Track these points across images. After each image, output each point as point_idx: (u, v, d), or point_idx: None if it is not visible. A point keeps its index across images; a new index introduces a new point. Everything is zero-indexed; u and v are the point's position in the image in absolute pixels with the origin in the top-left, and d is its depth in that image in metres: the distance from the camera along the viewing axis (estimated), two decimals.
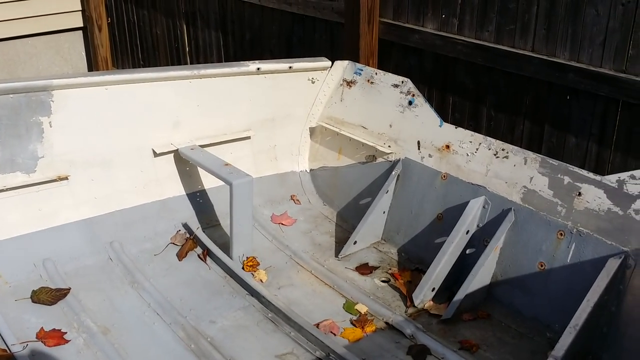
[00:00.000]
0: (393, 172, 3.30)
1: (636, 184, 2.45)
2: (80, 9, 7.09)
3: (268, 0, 5.17)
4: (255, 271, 3.08)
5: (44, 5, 6.78)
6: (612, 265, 2.44)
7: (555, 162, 2.72)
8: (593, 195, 2.57)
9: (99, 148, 3.10)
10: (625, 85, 3.19)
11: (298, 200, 3.69)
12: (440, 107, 4.21)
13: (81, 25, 7.18)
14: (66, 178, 3.03)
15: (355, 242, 3.26)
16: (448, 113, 4.17)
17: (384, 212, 3.33)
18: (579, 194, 2.62)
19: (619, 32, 3.20)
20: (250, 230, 3.12)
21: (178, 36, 6.45)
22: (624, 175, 2.49)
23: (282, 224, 3.49)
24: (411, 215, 3.25)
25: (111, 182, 3.16)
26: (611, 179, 2.53)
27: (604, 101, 3.33)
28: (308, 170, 3.78)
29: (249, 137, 3.52)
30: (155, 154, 3.24)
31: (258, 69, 3.38)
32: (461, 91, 4.03)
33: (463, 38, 3.90)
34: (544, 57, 3.52)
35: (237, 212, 3.01)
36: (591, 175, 2.60)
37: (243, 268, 3.08)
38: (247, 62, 3.38)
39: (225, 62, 5.84)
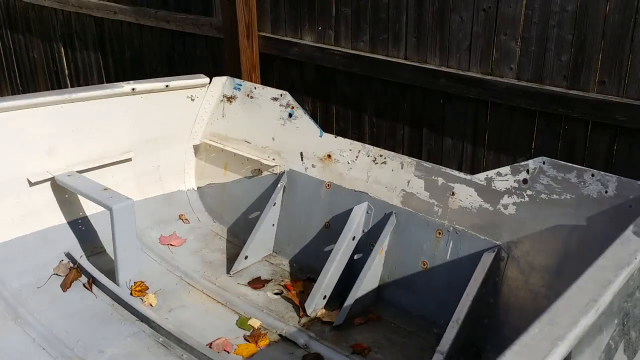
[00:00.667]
0: (279, 185, 3.32)
1: (502, 180, 2.59)
2: None
3: (145, 19, 5.10)
4: (144, 296, 3.01)
5: None
6: (487, 259, 2.57)
7: (429, 165, 2.83)
8: (465, 194, 2.70)
9: None
10: (492, 86, 3.38)
11: (187, 220, 3.64)
12: (324, 117, 4.29)
13: None
14: None
15: (246, 257, 3.26)
16: (332, 123, 4.26)
17: (273, 225, 3.35)
18: (453, 193, 2.74)
19: (483, 36, 3.38)
20: (135, 254, 3.05)
21: (56, 59, 6.22)
22: (491, 173, 2.63)
23: (170, 244, 3.43)
24: (300, 225, 3.28)
25: None
26: (480, 177, 2.66)
27: (474, 103, 3.51)
28: (195, 189, 3.74)
29: (130, 159, 3.43)
30: (31, 184, 3.10)
31: (133, 89, 3.31)
32: (343, 101, 4.13)
33: (340, 49, 4.00)
34: (417, 64, 3.67)
35: (120, 237, 2.93)
36: (462, 174, 2.73)
37: (131, 293, 3.00)
38: (121, 83, 3.30)
39: (106, 82, 5.70)
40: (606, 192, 2.30)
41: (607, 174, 2.32)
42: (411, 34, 3.67)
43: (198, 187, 3.74)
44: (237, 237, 3.51)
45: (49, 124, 3.11)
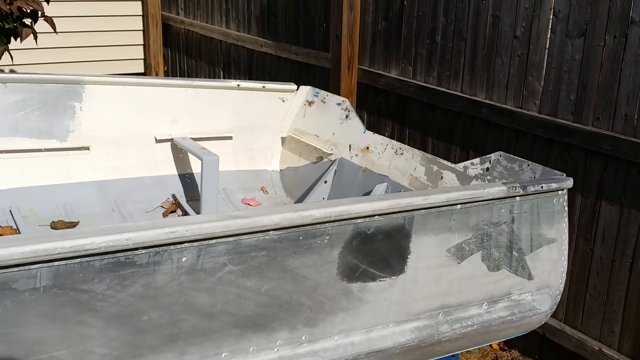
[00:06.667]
0: (331, 168, 4.30)
1: (474, 168, 3.37)
2: (142, 57, 8.51)
3: (282, 52, 6.38)
4: None
5: (107, 53, 8.20)
6: None
7: (429, 156, 3.67)
8: (449, 178, 3.50)
9: (114, 130, 4.21)
10: (519, 117, 4.11)
11: (267, 191, 4.69)
12: (400, 138, 5.19)
13: (142, 71, 8.57)
14: (88, 148, 4.14)
15: None
16: (405, 141, 5.15)
17: (323, 198, 4.31)
18: (442, 177, 3.55)
19: (517, 77, 4.16)
20: (215, 197, 4.12)
21: None
22: (467, 163, 3.42)
23: (248, 204, 4.51)
24: None
25: (121, 157, 4.25)
26: (460, 166, 3.46)
27: (507, 131, 4.25)
28: (278, 170, 4.80)
29: (230, 137, 4.57)
30: (156, 140, 4.33)
31: (238, 85, 4.49)
32: (414, 125, 5.02)
33: (415, 81, 4.92)
34: (468, 97, 4.49)
35: (206, 181, 4.03)
36: (448, 163, 3.53)
37: None
38: (230, 79, 4.50)
39: None
40: (535, 176, 3.02)
41: (536, 164, 3.03)
42: (466, 72, 4.51)
43: (280, 170, 4.80)
44: None
45: (175, 101, 4.35)
